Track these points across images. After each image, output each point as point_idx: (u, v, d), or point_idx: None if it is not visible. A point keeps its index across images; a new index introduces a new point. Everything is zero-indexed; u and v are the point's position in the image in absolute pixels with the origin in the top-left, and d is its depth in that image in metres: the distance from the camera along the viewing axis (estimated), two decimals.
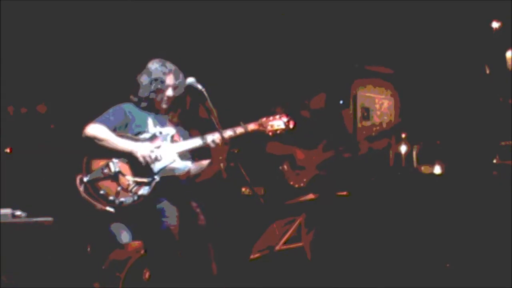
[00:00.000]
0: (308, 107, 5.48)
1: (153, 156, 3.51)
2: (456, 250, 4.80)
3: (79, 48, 5.24)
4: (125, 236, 4.57)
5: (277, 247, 4.64)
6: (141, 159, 3.47)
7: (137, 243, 4.22)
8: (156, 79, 3.62)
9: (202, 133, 3.75)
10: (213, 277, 3.68)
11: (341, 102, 6.80)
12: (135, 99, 3.66)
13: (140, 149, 3.49)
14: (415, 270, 4.79)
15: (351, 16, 6.14)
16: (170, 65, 3.69)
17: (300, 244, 4.80)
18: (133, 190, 3.44)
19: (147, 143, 3.55)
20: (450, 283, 4.65)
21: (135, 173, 3.48)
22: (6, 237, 3.67)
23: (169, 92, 3.66)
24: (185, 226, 3.56)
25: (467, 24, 6.09)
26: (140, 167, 3.49)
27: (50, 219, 3.90)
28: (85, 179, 3.39)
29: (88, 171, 3.42)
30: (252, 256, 4.72)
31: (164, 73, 3.64)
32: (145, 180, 3.48)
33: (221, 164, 4.33)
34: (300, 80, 6.15)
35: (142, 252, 4.07)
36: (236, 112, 5.40)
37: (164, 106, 3.69)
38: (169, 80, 3.65)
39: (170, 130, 3.66)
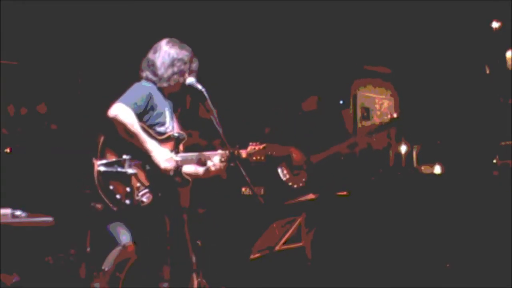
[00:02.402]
0: (301, 110, 5.48)
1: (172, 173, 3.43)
2: (456, 250, 4.80)
3: (78, 48, 5.24)
4: (124, 237, 4.58)
5: (277, 247, 4.64)
6: (164, 171, 3.38)
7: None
8: (179, 60, 3.49)
9: (202, 133, 3.74)
10: (213, 277, 3.67)
11: (341, 102, 6.80)
12: (155, 78, 3.49)
13: (164, 162, 3.38)
14: (415, 270, 4.79)
15: (351, 16, 6.14)
16: (188, 47, 3.56)
17: (300, 244, 4.80)
18: (139, 194, 3.35)
19: (171, 155, 3.43)
20: (450, 283, 4.65)
21: (146, 179, 3.37)
22: (6, 237, 3.67)
23: (186, 76, 3.53)
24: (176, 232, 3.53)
25: (467, 24, 6.09)
26: (153, 173, 3.39)
27: (50, 219, 3.91)
28: (100, 169, 3.24)
29: (102, 156, 3.26)
30: (252, 256, 4.72)
31: (186, 55, 3.52)
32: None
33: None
34: (299, 80, 6.15)
35: None
36: (236, 112, 5.42)
37: (177, 89, 3.55)
38: (190, 62, 3.55)
39: (182, 135, 3.53)
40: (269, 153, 3.72)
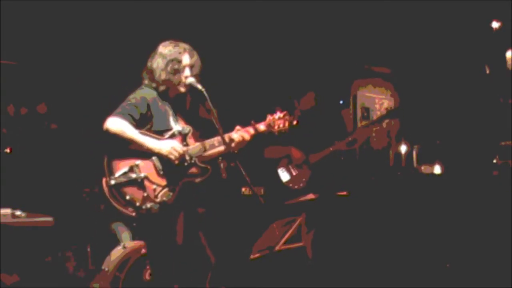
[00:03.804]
0: (298, 108, 5.48)
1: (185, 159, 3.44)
2: (456, 250, 4.80)
3: (78, 48, 5.23)
4: (125, 236, 4.59)
5: (277, 247, 4.64)
6: (171, 156, 3.39)
7: (137, 243, 4.23)
8: (172, 60, 3.50)
9: (202, 133, 3.73)
10: (213, 277, 3.67)
11: (341, 102, 6.80)
12: (154, 85, 3.53)
13: (167, 151, 3.40)
14: (415, 270, 4.79)
15: (352, 17, 6.14)
16: (183, 45, 3.59)
17: (300, 244, 4.80)
18: (159, 195, 3.35)
19: (175, 142, 3.45)
20: (450, 283, 4.65)
21: (161, 178, 3.39)
22: (6, 237, 3.67)
23: (187, 72, 3.53)
24: (189, 230, 3.53)
25: (467, 24, 6.09)
26: (167, 171, 3.40)
27: (50, 219, 3.91)
28: (112, 182, 3.26)
29: (111, 173, 3.29)
30: (252, 256, 4.72)
31: (180, 53, 3.53)
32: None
33: (221, 164, 4.32)
34: (299, 81, 6.15)
35: (142, 252, 4.08)
36: (236, 112, 5.41)
37: (182, 89, 3.56)
38: (185, 59, 3.54)
39: (185, 128, 3.56)
40: (293, 119, 3.72)
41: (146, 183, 3.34)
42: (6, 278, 3.72)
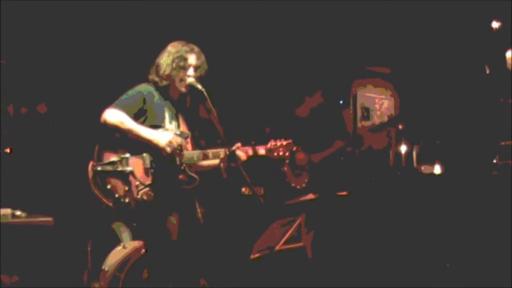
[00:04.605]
0: (307, 106, 5.48)
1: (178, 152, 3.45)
2: (456, 250, 4.80)
3: (79, 48, 5.23)
4: (125, 236, 4.59)
5: (277, 247, 4.65)
6: (168, 148, 3.40)
7: (137, 243, 4.23)
8: (178, 57, 3.54)
9: (202, 133, 3.74)
10: (213, 277, 3.67)
11: (341, 102, 6.80)
12: (156, 79, 3.55)
13: (169, 140, 3.41)
14: (415, 270, 4.79)
15: (351, 17, 6.14)
16: (192, 45, 3.62)
17: (300, 244, 4.80)
18: (140, 193, 3.37)
19: (173, 135, 3.46)
20: (450, 283, 4.65)
21: (147, 176, 3.39)
22: (6, 237, 3.67)
23: (190, 71, 3.56)
24: (185, 229, 3.53)
25: (467, 24, 6.10)
26: (155, 171, 3.41)
27: (50, 219, 3.91)
28: (97, 168, 3.29)
29: (100, 160, 3.32)
30: (252, 256, 4.72)
31: (186, 52, 3.57)
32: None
33: (221, 164, 4.32)
34: (299, 81, 6.15)
35: (142, 252, 4.08)
36: (236, 112, 5.41)
37: (183, 89, 3.58)
38: (191, 59, 3.57)
39: (185, 133, 3.56)
40: (295, 148, 3.70)
41: (131, 178, 3.35)
42: (6, 278, 3.72)
